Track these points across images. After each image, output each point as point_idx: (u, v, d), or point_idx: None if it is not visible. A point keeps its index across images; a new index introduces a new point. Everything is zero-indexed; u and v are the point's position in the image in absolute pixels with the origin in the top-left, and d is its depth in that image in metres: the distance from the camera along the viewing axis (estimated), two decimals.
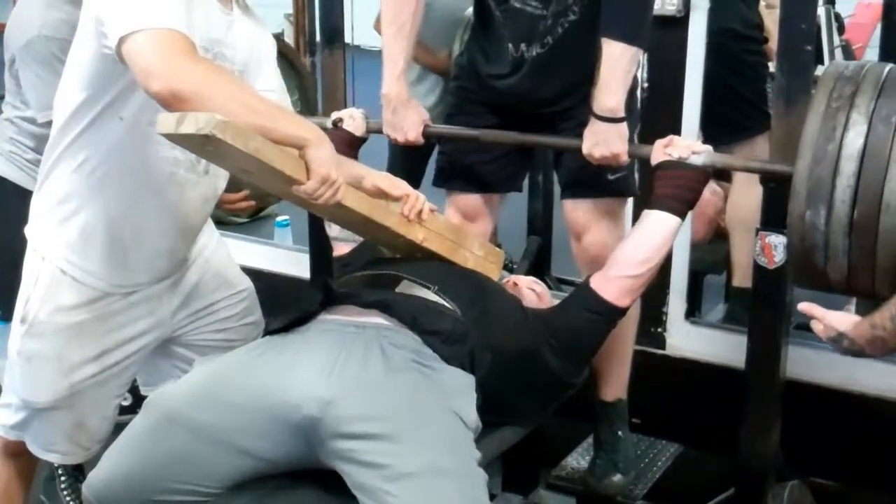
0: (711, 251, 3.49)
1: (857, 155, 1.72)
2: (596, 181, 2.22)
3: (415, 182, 3.36)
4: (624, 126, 2.11)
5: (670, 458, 2.64)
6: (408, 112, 2.33)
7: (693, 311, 3.04)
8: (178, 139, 1.69)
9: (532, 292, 2.26)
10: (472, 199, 2.41)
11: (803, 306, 1.78)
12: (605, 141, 2.10)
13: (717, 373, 2.65)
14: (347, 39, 2.75)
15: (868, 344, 1.68)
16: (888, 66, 1.81)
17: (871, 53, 4.91)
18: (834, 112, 1.75)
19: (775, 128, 2.16)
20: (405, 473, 1.64)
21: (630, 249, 2.05)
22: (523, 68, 2.22)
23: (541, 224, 3.87)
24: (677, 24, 2.54)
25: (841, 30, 4.65)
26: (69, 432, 2.04)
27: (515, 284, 2.27)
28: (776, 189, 2.12)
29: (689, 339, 2.75)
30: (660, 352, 2.75)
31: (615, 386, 2.43)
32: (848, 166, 1.72)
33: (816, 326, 1.76)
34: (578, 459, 2.62)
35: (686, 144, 2.04)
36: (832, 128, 1.75)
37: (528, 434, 2.20)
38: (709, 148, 2.05)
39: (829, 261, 1.77)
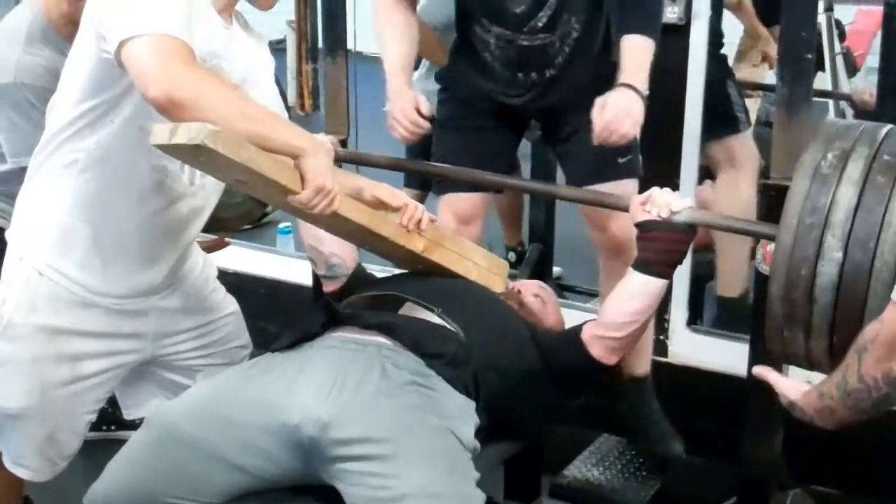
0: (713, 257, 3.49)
1: (832, 286, 1.57)
2: (612, 164, 2.24)
3: (427, 188, 3.38)
4: (642, 103, 2.11)
5: (672, 465, 2.63)
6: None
7: (695, 318, 3.04)
8: (171, 150, 1.69)
9: (537, 298, 2.26)
10: (465, 200, 2.40)
11: (757, 370, 1.72)
12: (626, 110, 2.08)
13: (719, 380, 2.65)
14: (350, 46, 2.75)
15: (817, 413, 1.56)
16: (869, 160, 1.62)
17: (872, 60, 4.92)
18: (807, 230, 1.60)
19: (777, 137, 2.15)
20: (402, 495, 1.64)
21: (615, 311, 2.00)
22: (535, 89, 2.30)
23: (542, 231, 3.87)
24: (679, 32, 2.55)
25: (841, 37, 4.67)
26: (40, 446, 2.00)
27: (519, 292, 2.27)
28: (776, 197, 2.12)
29: (691, 347, 2.75)
30: (662, 359, 2.75)
31: (643, 363, 2.47)
32: (824, 296, 1.58)
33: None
34: (581, 468, 2.63)
35: (664, 202, 1.95)
36: (805, 250, 1.59)
37: (531, 442, 2.19)
38: (689, 203, 1.98)
39: (814, 367, 1.68)
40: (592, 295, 3.60)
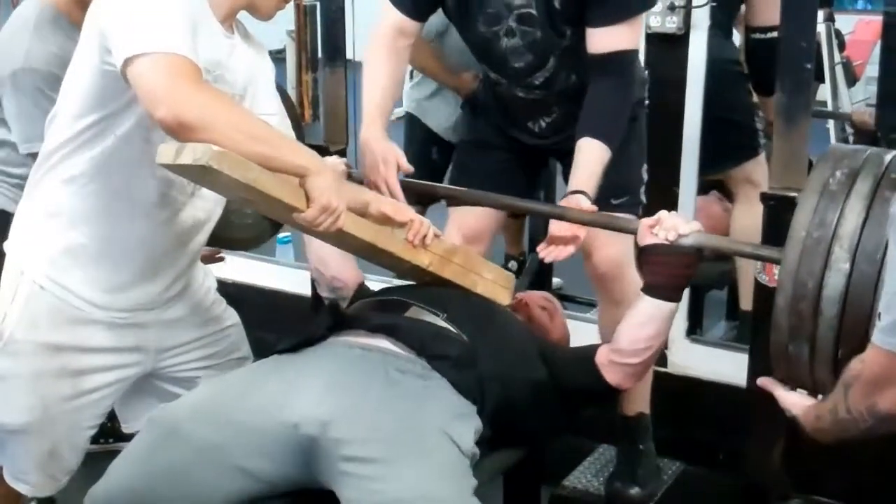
0: (713, 267, 3.48)
1: (839, 297, 1.56)
2: (602, 204, 2.20)
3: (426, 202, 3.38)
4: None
5: (673, 476, 2.63)
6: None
7: (695, 328, 3.03)
8: (176, 169, 1.70)
9: (543, 311, 2.26)
10: (474, 216, 2.39)
11: (763, 381, 1.72)
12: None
13: (719, 390, 2.65)
14: (349, 55, 2.75)
15: (815, 432, 1.59)
16: (878, 177, 1.62)
17: (872, 70, 4.93)
18: (815, 243, 1.59)
19: (776, 147, 2.16)
20: (398, 499, 1.65)
21: (629, 338, 1.97)
22: (539, 132, 2.36)
23: (543, 241, 3.85)
24: (678, 42, 2.55)
25: (841, 47, 4.67)
26: (41, 461, 1.99)
27: (526, 304, 2.26)
28: (777, 207, 2.13)
29: (690, 357, 2.75)
30: (662, 369, 2.74)
31: (636, 401, 2.46)
32: (830, 308, 1.57)
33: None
34: (581, 478, 2.62)
35: (672, 225, 1.93)
36: (813, 263, 1.58)
37: (531, 451, 2.19)
38: (697, 226, 1.95)
39: (816, 387, 1.67)
40: (592, 305, 3.59)
